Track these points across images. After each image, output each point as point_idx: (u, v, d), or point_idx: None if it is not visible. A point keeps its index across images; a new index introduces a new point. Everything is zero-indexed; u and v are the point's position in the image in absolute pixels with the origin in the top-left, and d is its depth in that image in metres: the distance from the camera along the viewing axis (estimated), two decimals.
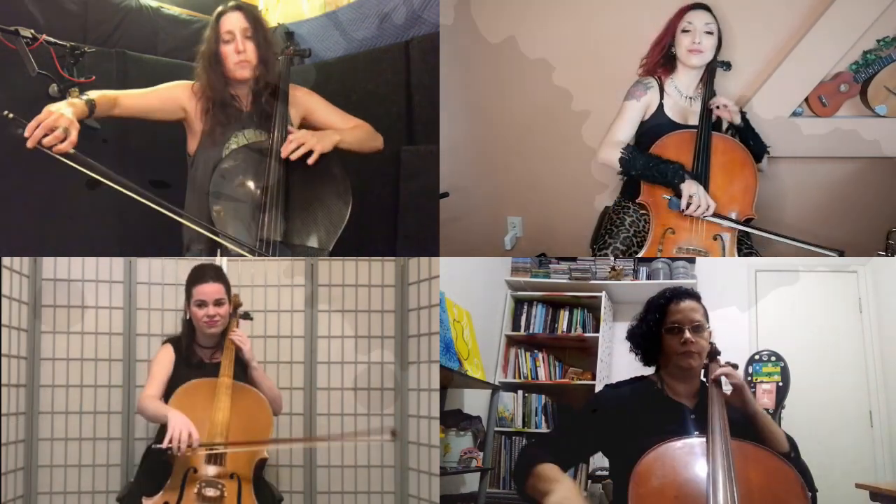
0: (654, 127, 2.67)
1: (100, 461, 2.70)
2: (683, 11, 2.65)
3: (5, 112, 2.05)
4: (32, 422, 2.62)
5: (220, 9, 2.46)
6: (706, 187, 2.51)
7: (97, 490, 2.69)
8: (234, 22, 2.41)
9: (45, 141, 2.01)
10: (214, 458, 1.97)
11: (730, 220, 2.52)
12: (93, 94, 2.21)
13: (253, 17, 2.46)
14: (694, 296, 1.85)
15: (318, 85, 3.08)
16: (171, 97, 2.44)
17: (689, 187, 2.46)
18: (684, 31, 2.63)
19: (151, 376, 2.16)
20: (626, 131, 2.67)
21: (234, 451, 1.98)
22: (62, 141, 2.01)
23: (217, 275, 2.23)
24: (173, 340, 2.25)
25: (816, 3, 2.81)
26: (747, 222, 2.58)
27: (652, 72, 2.72)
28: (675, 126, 2.65)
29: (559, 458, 1.73)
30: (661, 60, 2.71)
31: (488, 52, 3.25)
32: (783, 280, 4.06)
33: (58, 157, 2.03)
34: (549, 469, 1.67)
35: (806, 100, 2.90)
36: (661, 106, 2.70)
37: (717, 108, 2.62)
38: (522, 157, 3.27)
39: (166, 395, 2.12)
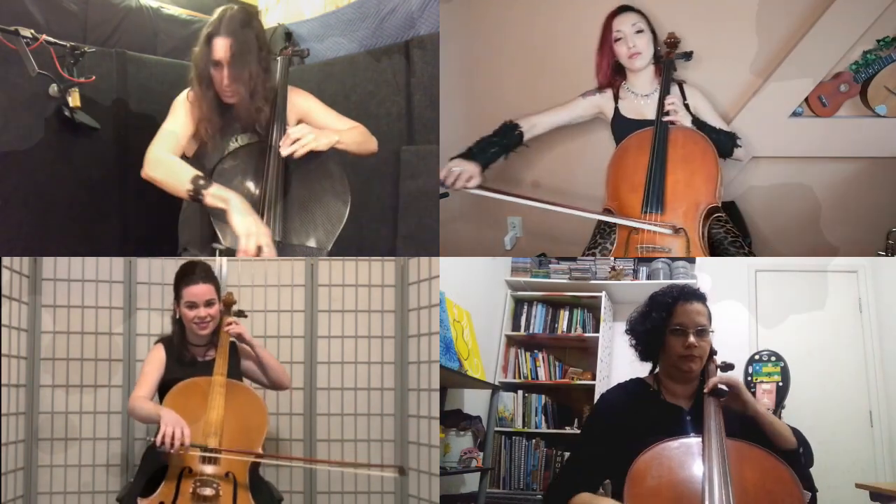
0: (618, 130, 2.75)
1: (100, 461, 2.70)
2: (610, 20, 2.70)
3: (214, 245, 2.25)
4: (32, 422, 2.63)
5: (209, 29, 2.35)
6: (663, 181, 2.53)
7: (97, 490, 2.70)
8: (220, 50, 2.32)
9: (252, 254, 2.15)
10: (209, 458, 1.96)
11: (496, 191, 2.66)
12: (188, 169, 2.25)
13: (240, 42, 2.32)
14: (701, 298, 1.83)
15: (318, 85, 3.09)
16: (189, 115, 2.41)
17: (450, 164, 2.62)
18: (616, 40, 2.69)
19: (142, 377, 2.15)
20: (547, 117, 2.85)
21: (229, 456, 1.98)
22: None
23: (207, 275, 2.19)
24: (165, 340, 2.23)
25: (817, 2, 2.81)
26: (712, 211, 2.57)
27: (607, 84, 2.79)
28: (633, 124, 2.69)
29: (582, 487, 1.75)
30: (611, 72, 2.77)
31: (488, 52, 3.25)
32: (783, 280, 4.06)
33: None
34: (586, 496, 1.69)
35: (806, 100, 2.89)
36: (616, 110, 2.76)
37: (669, 109, 2.64)
38: (522, 156, 3.26)
39: (161, 395, 2.11)
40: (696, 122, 2.70)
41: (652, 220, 2.51)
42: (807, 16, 2.83)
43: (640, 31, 2.66)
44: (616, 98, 2.78)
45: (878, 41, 2.79)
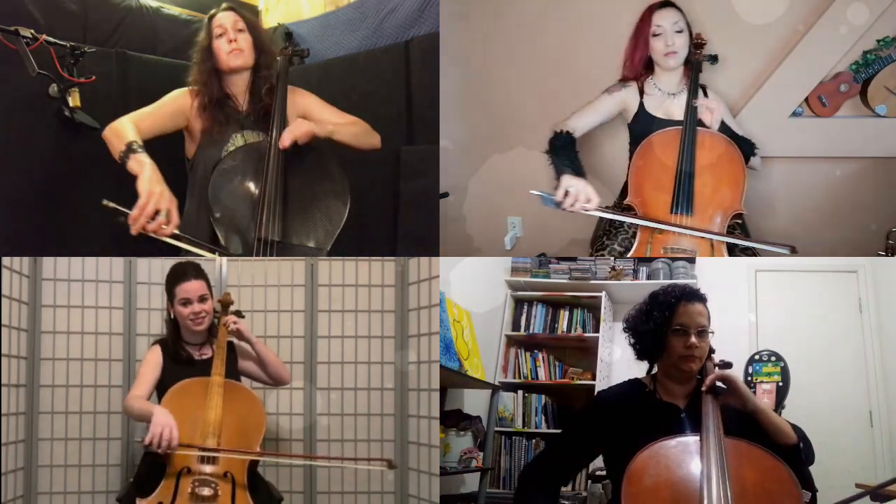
0: (640, 127, 2.67)
1: (100, 461, 2.70)
2: (650, 13, 2.63)
3: (104, 202, 2.08)
4: (32, 422, 2.63)
5: (211, 11, 2.55)
6: (691, 185, 2.49)
7: (97, 490, 2.70)
8: (224, 18, 2.49)
9: (150, 227, 2.06)
10: (208, 457, 1.96)
11: (609, 210, 2.51)
12: (130, 135, 2.23)
13: (243, 14, 2.54)
14: (702, 298, 1.84)
15: (318, 85, 3.09)
16: (178, 109, 2.46)
17: (564, 182, 2.42)
18: (654, 35, 2.61)
19: (139, 377, 2.16)
20: (584, 118, 2.71)
21: (228, 456, 1.98)
22: (167, 224, 2.08)
23: (197, 272, 2.21)
24: (161, 341, 2.24)
25: (817, 2, 2.81)
26: (736, 217, 2.56)
27: (632, 77, 2.73)
28: (659, 123, 2.64)
29: (556, 475, 1.84)
30: (640, 66, 2.70)
31: (488, 52, 3.25)
32: (783, 280, 4.06)
33: (163, 239, 2.09)
34: None
35: (806, 100, 2.89)
36: (641, 105, 2.69)
37: (700, 107, 2.58)
38: (523, 156, 3.26)
39: (159, 396, 2.12)
40: (721, 125, 2.68)
41: (680, 221, 2.49)
42: (807, 16, 2.83)
43: (680, 31, 2.59)
44: (641, 93, 2.71)
45: (878, 41, 2.79)
